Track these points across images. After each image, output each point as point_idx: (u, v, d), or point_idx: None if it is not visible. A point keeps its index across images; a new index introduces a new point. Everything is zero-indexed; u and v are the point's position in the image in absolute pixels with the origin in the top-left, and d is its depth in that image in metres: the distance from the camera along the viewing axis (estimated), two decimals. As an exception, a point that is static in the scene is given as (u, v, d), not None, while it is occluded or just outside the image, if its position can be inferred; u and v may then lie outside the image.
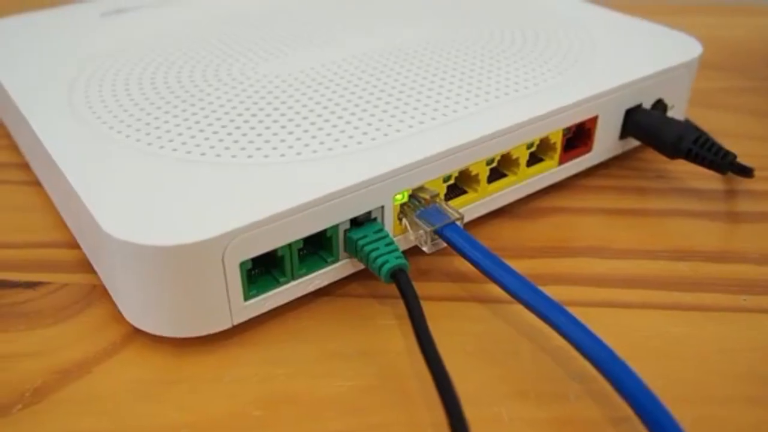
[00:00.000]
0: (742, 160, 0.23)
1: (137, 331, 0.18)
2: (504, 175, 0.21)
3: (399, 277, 0.17)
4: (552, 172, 0.22)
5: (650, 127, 0.23)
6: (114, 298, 0.19)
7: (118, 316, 0.18)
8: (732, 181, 0.24)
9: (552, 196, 0.23)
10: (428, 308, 0.19)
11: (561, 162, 0.22)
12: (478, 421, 0.16)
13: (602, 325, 0.18)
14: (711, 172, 0.23)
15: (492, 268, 0.17)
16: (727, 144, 0.26)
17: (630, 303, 0.19)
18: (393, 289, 0.18)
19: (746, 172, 0.22)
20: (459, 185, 0.21)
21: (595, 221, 0.23)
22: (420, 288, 0.20)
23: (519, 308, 0.17)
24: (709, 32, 0.38)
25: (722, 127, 0.28)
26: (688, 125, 0.23)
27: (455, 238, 0.18)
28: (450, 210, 0.19)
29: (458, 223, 0.19)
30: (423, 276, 0.20)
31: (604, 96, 0.22)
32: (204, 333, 0.17)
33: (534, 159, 0.22)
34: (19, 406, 0.16)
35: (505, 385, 0.17)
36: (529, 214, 0.23)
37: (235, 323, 0.18)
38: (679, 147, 0.22)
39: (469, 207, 0.21)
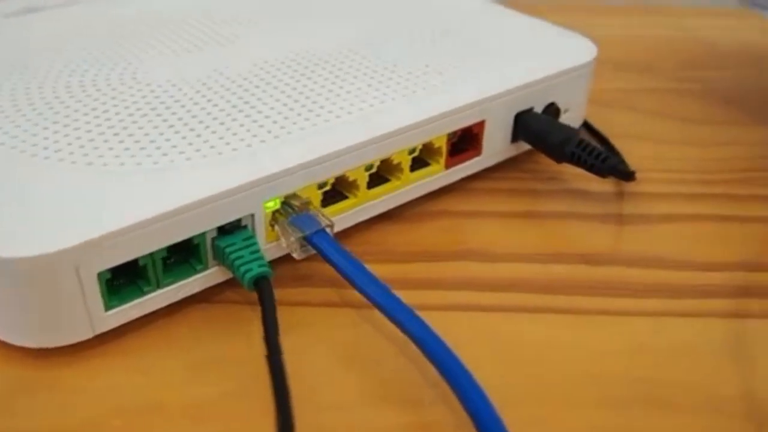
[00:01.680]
0: (639, 161, 0.23)
1: (-2, 342, 0.18)
2: (387, 180, 0.22)
3: (261, 286, 0.18)
4: (439, 176, 0.23)
5: (538, 132, 0.23)
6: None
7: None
8: (626, 184, 0.25)
9: (442, 200, 0.23)
10: (303, 314, 0.19)
11: (448, 166, 0.23)
12: (338, 428, 0.16)
13: (472, 329, 0.18)
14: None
15: (352, 274, 0.17)
16: (626, 145, 0.26)
17: (504, 306, 0.20)
18: (261, 297, 0.18)
19: (627, 176, 0.22)
20: (338, 190, 0.21)
21: (484, 224, 0.23)
22: (298, 294, 0.20)
23: (382, 315, 0.17)
24: (626, 32, 0.39)
25: (626, 129, 0.28)
26: (572, 130, 0.23)
27: (322, 245, 0.18)
28: (321, 217, 0.19)
29: (328, 230, 0.19)
30: (304, 281, 0.20)
31: (491, 101, 0.22)
32: (63, 343, 0.17)
33: (420, 163, 0.22)
34: None
35: (367, 391, 0.17)
36: (418, 218, 0.23)
37: (97, 333, 0.18)
38: (563, 151, 0.23)
39: (351, 212, 0.21)
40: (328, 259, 0.18)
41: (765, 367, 0.18)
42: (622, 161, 0.24)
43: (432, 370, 0.17)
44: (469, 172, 0.23)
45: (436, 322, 0.17)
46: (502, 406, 0.15)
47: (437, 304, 0.20)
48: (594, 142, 0.23)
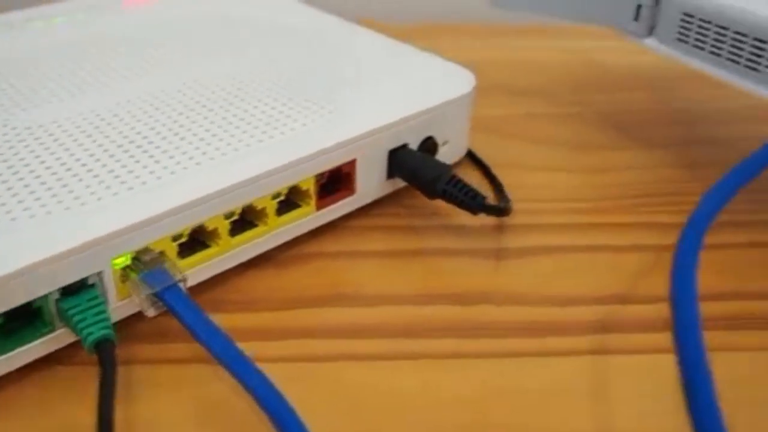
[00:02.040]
0: (522, 192, 0.23)
1: None
2: (254, 225, 0.21)
3: (102, 349, 0.17)
4: (310, 218, 0.22)
5: (411, 169, 0.23)
6: None
7: None
8: (508, 217, 0.25)
9: (316, 241, 0.23)
10: (160, 372, 0.19)
11: (319, 207, 0.22)
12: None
13: (325, 380, 0.18)
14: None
15: (197, 329, 0.17)
16: (511, 175, 0.26)
17: (363, 354, 0.19)
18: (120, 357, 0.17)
19: (498, 212, 0.22)
20: (199, 239, 0.20)
21: (359, 265, 0.22)
22: (154, 351, 0.19)
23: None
24: (519, 54, 0.39)
25: (513, 157, 0.28)
26: (445, 167, 0.23)
27: (171, 301, 0.18)
28: (174, 271, 0.18)
29: (181, 284, 0.18)
30: (163, 337, 0.20)
31: (361, 139, 0.22)
32: None
33: (289, 205, 0.22)
34: None
35: (217, 453, 0.17)
36: (291, 262, 0.22)
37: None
38: (435, 188, 0.22)
39: (216, 261, 0.20)
40: (176, 315, 0.18)
41: (624, 405, 0.18)
42: (504, 198, 0.24)
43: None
44: (343, 212, 0.23)
45: (289, 374, 0.16)
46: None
47: (294, 354, 0.19)
48: (464, 180, 0.22)
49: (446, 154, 0.25)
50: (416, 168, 0.23)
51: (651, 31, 0.26)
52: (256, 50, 0.27)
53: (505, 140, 0.30)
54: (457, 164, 0.27)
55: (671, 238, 0.17)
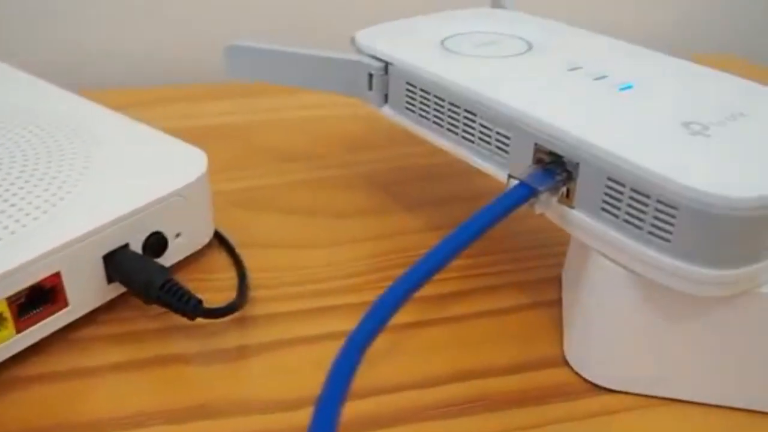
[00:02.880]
0: (271, 275, 0.23)
1: None
2: (-64, 363, 0.19)
3: None
4: (12, 341, 0.20)
5: (125, 273, 0.22)
6: None
7: None
8: (251, 306, 0.24)
9: (32, 363, 0.21)
10: None
11: (21, 329, 0.20)
12: None
13: None
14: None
15: None
16: (260, 254, 0.26)
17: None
18: None
19: (215, 314, 0.21)
20: None
21: (89, 383, 0.21)
22: None
23: None
24: (266, 116, 0.38)
25: (265, 234, 0.27)
26: (159, 270, 0.22)
27: None
28: None
29: None
30: None
31: (61, 251, 0.21)
32: None
33: (-15, 330, 0.20)
34: None
35: None
36: (4, 390, 0.20)
37: None
38: (148, 294, 0.21)
39: None
40: None
41: None
42: (241, 289, 0.23)
43: None
44: (56, 327, 0.21)
45: None
46: None
47: None
48: (180, 284, 0.21)
49: (183, 246, 0.24)
50: (130, 273, 0.22)
51: (386, 99, 0.26)
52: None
53: (260, 216, 0.29)
54: (206, 247, 0.26)
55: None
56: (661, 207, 0.17)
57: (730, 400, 0.20)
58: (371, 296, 0.24)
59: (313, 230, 0.28)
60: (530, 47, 0.26)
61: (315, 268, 0.26)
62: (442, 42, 0.26)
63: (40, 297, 0.21)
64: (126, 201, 0.22)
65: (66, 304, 0.21)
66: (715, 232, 0.17)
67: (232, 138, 0.35)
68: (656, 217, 0.18)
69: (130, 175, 0.24)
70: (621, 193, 0.18)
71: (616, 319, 0.20)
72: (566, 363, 0.22)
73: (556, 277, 0.25)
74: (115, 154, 0.25)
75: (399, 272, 0.25)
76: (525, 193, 0.19)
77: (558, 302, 0.24)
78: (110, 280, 0.22)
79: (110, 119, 0.27)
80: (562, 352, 0.22)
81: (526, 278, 0.25)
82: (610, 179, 0.18)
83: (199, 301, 0.21)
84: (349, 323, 0.23)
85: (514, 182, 0.20)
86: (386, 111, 0.26)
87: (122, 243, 0.22)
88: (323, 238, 0.27)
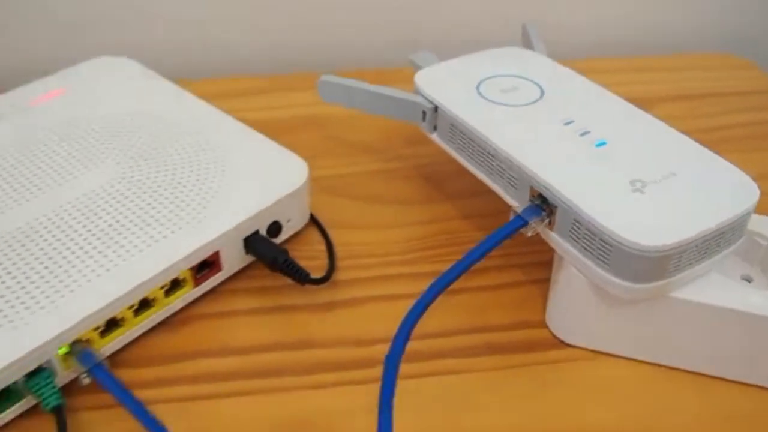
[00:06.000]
0: (352, 249, 0.35)
1: None
2: (150, 306, 0.31)
3: (57, 412, 0.27)
4: (191, 293, 0.32)
5: (258, 251, 0.33)
6: None
7: None
8: (339, 274, 0.35)
9: (199, 305, 0.33)
10: (94, 414, 0.29)
11: (197, 284, 0.32)
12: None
13: (209, 413, 0.28)
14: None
15: (114, 391, 0.27)
16: (345, 235, 0.37)
17: (235, 392, 0.30)
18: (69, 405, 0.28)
19: (316, 282, 0.33)
20: (115, 322, 0.30)
21: (230, 322, 0.33)
22: (91, 400, 0.30)
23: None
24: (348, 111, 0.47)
25: (347, 217, 0.38)
26: (280, 251, 0.33)
27: (98, 375, 0.28)
28: (96, 354, 0.29)
29: (104, 364, 0.28)
30: (95, 391, 0.30)
31: (221, 237, 0.32)
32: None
33: (174, 286, 0.32)
34: None
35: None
36: (179, 324, 0.33)
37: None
38: (274, 265, 0.33)
39: (128, 333, 0.31)
40: (101, 384, 0.28)
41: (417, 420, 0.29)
42: (331, 262, 0.34)
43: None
44: (216, 283, 0.33)
45: (178, 412, 0.27)
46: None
47: (188, 394, 0.30)
48: (295, 261, 0.33)
49: (291, 227, 0.36)
50: (262, 251, 0.33)
51: (434, 128, 0.36)
52: (134, 159, 0.36)
53: (340, 201, 0.40)
54: (304, 228, 0.37)
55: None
56: (602, 243, 0.28)
57: (650, 357, 0.31)
58: (423, 269, 0.35)
59: (381, 214, 0.39)
60: (542, 94, 0.35)
61: (382, 245, 0.37)
62: (477, 86, 0.36)
63: (206, 265, 0.33)
64: (256, 202, 0.34)
65: (220, 269, 0.33)
66: (634, 263, 0.27)
67: (308, 130, 0.45)
68: (600, 248, 0.28)
69: (254, 180, 0.35)
70: (580, 229, 0.29)
71: (577, 301, 0.31)
72: (546, 326, 0.33)
73: (548, 262, 0.36)
74: (241, 162, 0.36)
75: (445, 251, 0.36)
76: (519, 223, 0.30)
77: (546, 281, 0.35)
78: (247, 253, 0.34)
79: (232, 127, 0.38)
80: (544, 318, 0.33)
81: (524, 262, 0.36)
82: (575, 220, 0.29)
83: (308, 273, 0.33)
84: (406, 288, 0.35)
85: (513, 215, 0.30)
86: (435, 137, 0.36)
87: (254, 230, 0.34)
88: (387, 221, 0.38)
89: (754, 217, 0.31)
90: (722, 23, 0.60)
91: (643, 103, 0.36)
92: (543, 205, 0.30)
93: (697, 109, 0.49)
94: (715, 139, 0.32)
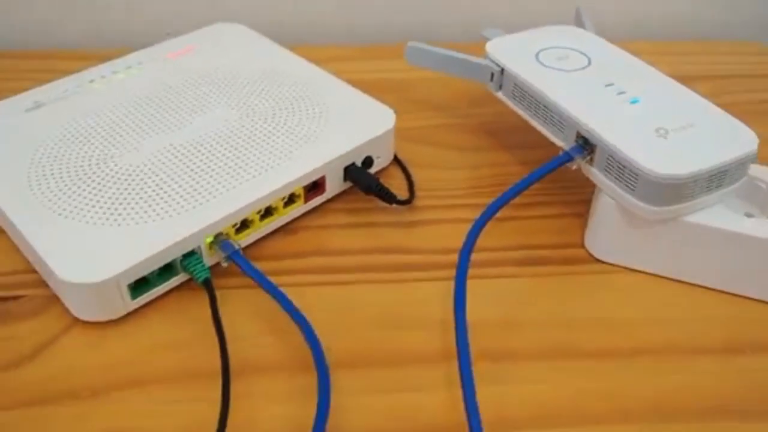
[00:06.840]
0: (427, 183, 0.43)
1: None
2: (271, 214, 0.40)
3: (206, 283, 0.36)
4: (301, 207, 0.41)
5: (356, 178, 0.42)
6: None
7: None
8: (418, 200, 0.43)
9: (307, 218, 0.42)
10: (234, 293, 0.38)
11: (306, 201, 0.41)
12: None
13: (321, 297, 0.37)
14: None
15: (251, 273, 0.36)
16: (422, 172, 0.45)
17: (336, 281, 0.39)
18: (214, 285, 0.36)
19: (401, 203, 0.41)
20: (245, 223, 0.39)
21: (330, 232, 0.41)
22: (231, 281, 0.38)
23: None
24: (427, 74, 0.55)
25: (423, 159, 0.47)
26: (374, 178, 0.41)
27: (235, 258, 0.37)
28: (235, 243, 0.37)
29: (240, 251, 0.37)
30: (233, 275, 0.39)
31: (328, 164, 0.41)
32: (105, 319, 0.36)
33: (290, 200, 0.40)
34: (28, 359, 0.35)
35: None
36: (293, 231, 0.41)
37: (129, 311, 0.36)
38: (369, 190, 0.41)
39: (254, 234, 0.39)
40: (239, 266, 0.37)
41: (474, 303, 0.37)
42: (411, 190, 0.43)
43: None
44: (320, 201, 0.42)
45: (297, 292, 0.35)
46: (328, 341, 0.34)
47: (299, 281, 0.38)
48: (385, 186, 0.41)
49: (380, 163, 0.44)
50: (359, 178, 0.42)
51: (500, 87, 0.44)
52: (256, 100, 0.45)
53: (418, 147, 0.48)
54: (388, 166, 0.45)
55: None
56: (631, 173, 0.35)
57: (669, 273, 0.39)
58: (483, 200, 0.43)
59: (449, 158, 0.47)
60: (589, 62, 0.43)
61: (450, 181, 0.45)
62: (537, 55, 0.44)
63: (315, 186, 0.41)
64: (354, 139, 0.42)
65: (324, 191, 0.42)
66: (656, 189, 0.35)
67: (392, 91, 0.54)
68: (629, 178, 0.36)
69: (352, 123, 0.43)
70: (613, 163, 0.36)
71: (610, 224, 0.39)
72: (584, 246, 0.41)
73: (587, 200, 0.44)
74: (342, 110, 0.44)
75: (500, 189, 0.45)
76: (566, 158, 0.38)
77: (585, 214, 0.43)
78: (345, 180, 0.42)
79: (332, 82, 0.47)
80: (583, 239, 0.41)
81: (566, 200, 0.44)
82: (609, 156, 0.36)
83: (395, 195, 0.41)
84: (470, 215, 0.43)
85: (562, 152, 0.38)
86: (500, 95, 0.44)
87: (352, 161, 0.42)
88: (455, 164, 0.47)
89: (757, 166, 0.38)
90: (755, 15, 0.67)
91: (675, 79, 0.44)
92: (585, 145, 0.38)
93: (725, 87, 0.56)
94: (736, 111, 0.39)
